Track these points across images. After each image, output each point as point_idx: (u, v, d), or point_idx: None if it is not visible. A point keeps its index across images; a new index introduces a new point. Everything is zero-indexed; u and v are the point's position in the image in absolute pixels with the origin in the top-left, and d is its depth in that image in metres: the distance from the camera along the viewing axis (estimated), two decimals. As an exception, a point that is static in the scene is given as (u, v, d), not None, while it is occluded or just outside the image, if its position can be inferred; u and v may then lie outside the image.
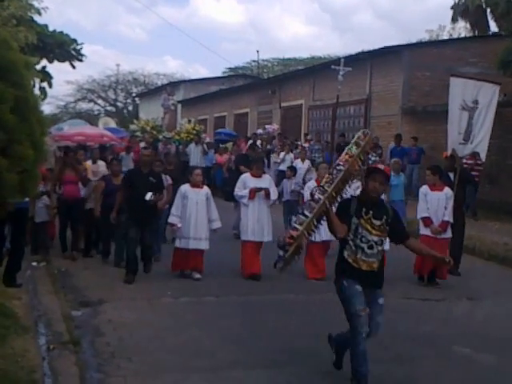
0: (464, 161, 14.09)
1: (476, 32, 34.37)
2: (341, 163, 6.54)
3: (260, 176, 11.80)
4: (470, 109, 13.02)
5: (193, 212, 11.17)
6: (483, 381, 7.10)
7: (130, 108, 65.55)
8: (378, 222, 6.41)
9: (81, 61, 24.73)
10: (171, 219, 11.36)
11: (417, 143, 21.41)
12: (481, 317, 9.67)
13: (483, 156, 13.41)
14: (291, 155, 22.55)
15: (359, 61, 25.28)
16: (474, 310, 10.07)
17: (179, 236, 11.24)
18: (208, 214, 11.32)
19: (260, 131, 29.17)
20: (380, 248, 6.46)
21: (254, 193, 11.49)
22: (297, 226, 6.27)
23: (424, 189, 11.60)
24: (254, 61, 57.59)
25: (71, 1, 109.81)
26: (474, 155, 14.26)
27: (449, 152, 12.85)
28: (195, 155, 24.67)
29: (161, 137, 26.34)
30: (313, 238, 11.38)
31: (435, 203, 11.34)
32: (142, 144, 23.41)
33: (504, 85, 14.88)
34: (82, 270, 11.66)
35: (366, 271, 6.41)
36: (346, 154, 6.60)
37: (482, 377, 7.20)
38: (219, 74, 56.78)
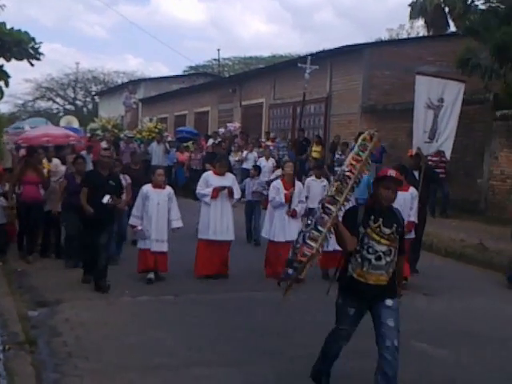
0: (429, 158, 14.10)
1: (433, 31, 34.74)
2: (348, 169, 6.01)
3: (223, 174, 11.55)
4: (435, 107, 12.91)
5: (154, 213, 10.90)
6: (439, 374, 7.18)
7: (90, 106, 65.05)
8: (387, 231, 5.97)
9: (39, 59, 24.29)
10: (132, 221, 11.13)
11: (379, 142, 21.54)
12: (437, 312, 9.78)
13: (448, 154, 13.35)
14: (254, 154, 22.57)
15: (320, 59, 25.37)
16: (431, 305, 10.17)
17: (141, 237, 11.01)
18: (169, 214, 11.07)
19: (222, 130, 29.14)
20: (389, 259, 5.98)
21: (217, 192, 11.25)
22: (311, 244, 5.69)
23: None
24: (214, 59, 57.64)
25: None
26: (439, 153, 14.26)
27: (414, 150, 12.83)
28: (157, 154, 24.39)
29: (122, 135, 26.02)
30: (272, 238, 11.48)
31: (401, 203, 11.15)
32: (104, 143, 23.16)
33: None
34: (38, 270, 11.51)
35: (372, 285, 5.97)
36: (353, 158, 6.10)
37: (438, 371, 7.29)
38: (180, 73, 56.64)
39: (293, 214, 11.39)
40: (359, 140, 6.35)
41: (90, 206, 10.27)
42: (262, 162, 19.66)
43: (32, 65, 17.74)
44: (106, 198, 10.22)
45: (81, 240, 10.97)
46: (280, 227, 11.39)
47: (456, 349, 7.98)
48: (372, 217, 5.97)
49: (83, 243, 10.73)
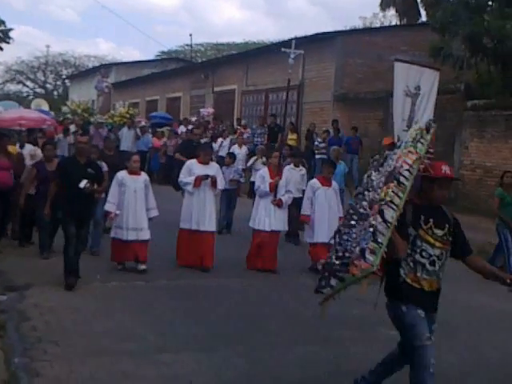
0: None
1: (405, 20, 34.84)
2: (406, 167, 5.22)
3: (207, 163, 11.18)
4: (412, 95, 12.75)
5: (131, 201, 10.54)
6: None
7: (60, 90, 64.48)
8: (440, 232, 5.41)
9: (8, 43, 24.01)
10: (108, 207, 10.66)
11: (357, 133, 21.48)
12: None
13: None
14: (227, 141, 22.45)
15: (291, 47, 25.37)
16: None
17: (115, 226, 10.64)
18: (146, 202, 10.75)
19: (194, 118, 28.96)
20: (441, 263, 5.46)
21: (199, 180, 10.87)
22: (369, 258, 4.97)
23: None
24: (187, 45, 57.24)
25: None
26: None
27: (396, 139, 12.61)
28: (127, 139, 23.74)
29: (92, 119, 25.59)
30: (257, 227, 11.19)
31: None
32: (72, 127, 22.88)
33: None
34: (7, 254, 11.31)
35: (428, 292, 5.45)
36: (409, 152, 5.31)
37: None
38: (152, 57, 56.31)
39: (278, 204, 11.14)
40: (411, 131, 5.65)
41: (68, 196, 9.51)
42: (236, 149, 19.58)
43: (1, 49, 17.44)
44: (83, 183, 9.42)
45: (64, 234, 9.76)
46: (265, 216, 11.16)
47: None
48: (422, 217, 5.39)
49: (65, 239, 9.60)
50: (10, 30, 22.28)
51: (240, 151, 19.21)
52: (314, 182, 11.48)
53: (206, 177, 10.94)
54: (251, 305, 9.08)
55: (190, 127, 23.85)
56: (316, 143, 21.62)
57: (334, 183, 11.53)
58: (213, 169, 11.24)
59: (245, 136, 22.82)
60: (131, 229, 10.49)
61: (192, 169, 11.09)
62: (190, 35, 71.28)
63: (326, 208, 11.14)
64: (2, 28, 23.29)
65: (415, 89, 12.63)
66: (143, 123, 26.91)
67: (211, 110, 29.84)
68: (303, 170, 13.76)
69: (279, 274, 11.02)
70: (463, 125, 18.64)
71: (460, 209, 17.20)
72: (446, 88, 18.37)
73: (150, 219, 10.84)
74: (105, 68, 40.28)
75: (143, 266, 10.60)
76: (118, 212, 10.53)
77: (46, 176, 10.99)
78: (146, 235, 10.63)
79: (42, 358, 6.62)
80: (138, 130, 24.61)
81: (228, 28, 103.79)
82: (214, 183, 11.05)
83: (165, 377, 6.38)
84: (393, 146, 12.25)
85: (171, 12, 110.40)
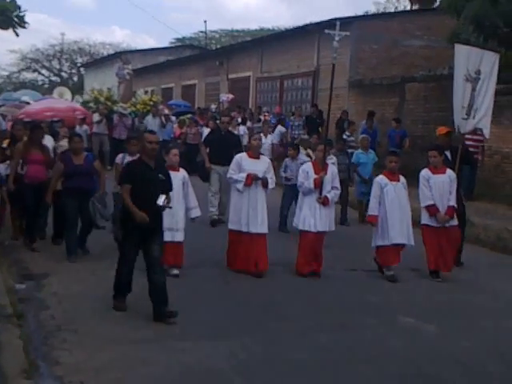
0: (467, 136, 13.16)
1: (418, 5, 34.60)
2: None
3: (258, 157, 10.37)
4: (472, 80, 11.96)
5: None
6: (425, 348, 7.23)
7: (75, 78, 64.62)
8: None
9: (24, 28, 23.83)
10: None
11: (399, 126, 20.24)
12: (424, 287, 9.85)
13: (486, 132, 12.42)
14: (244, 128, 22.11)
15: (307, 33, 25.27)
16: (418, 281, 10.23)
17: None
18: (186, 202, 9.77)
19: (213, 106, 28.81)
20: None
21: (251, 179, 10.01)
22: None
23: (425, 173, 10.46)
24: (201, 31, 57.28)
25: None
26: (476, 131, 13.27)
27: (456, 129, 11.98)
28: (152, 128, 21.09)
29: (115, 108, 25.08)
30: (302, 227, 10.16)
31: (440, 188, 10.29)
32: (96, 115, 22.64)
33: (451, 57, 14.69)
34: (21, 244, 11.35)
35: None
36: None
37: (424, 344, 7.35)
38: (167, 45, 56.29)
39: (324, 202, 10.11)
40: None
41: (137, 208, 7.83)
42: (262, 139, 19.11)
43: (17, 34, 17.29)
44: (162, 199, 7.86)
45: (120, 253, 8.32)
46: (310, 216, 10.12)
47: (443, 323, 8.06)
48: None
49: (121, 260, 8.20)
50: (25, 11, 22.01)
51: (266, 141, 18.25)
52: (381, 178, 10.44)
53: (257, 178, 10.09)
54: (268, 292, 9.10)
55: (213, 116, 23.29)
56: (345, 137, 20.69)
57: (401, 178, 10.48)
58: (264, 164, 10.37)
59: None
60: (167, 229, 8.91)
61: (242, 164, 10.21)
62: (205, 22, 71.41)
63: (396, 205, 10.22)
64: (17, 13, 23.09)
65: (475, 73, 11.76)
66: (166, 111, 26.20)
67: (231, 96, 29.38)
68: (333, 159, 13.19)
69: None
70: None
71: (477, 195, 17.15)
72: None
73: (192, 219, 10.00)
74: (121, 55, 39.97)
75: (176, 271, 9.65)
76: None
77: (72, 170, 10.41)
78: (180, 236, 9.69)
79: (62, 346, 6.67)
80: (163, 118, 23.70)
81: (243, 14, 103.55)
82: (264, 185, 10.21)
83: (182, 363, 6.40)
84: (449, 136, 11.92)
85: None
